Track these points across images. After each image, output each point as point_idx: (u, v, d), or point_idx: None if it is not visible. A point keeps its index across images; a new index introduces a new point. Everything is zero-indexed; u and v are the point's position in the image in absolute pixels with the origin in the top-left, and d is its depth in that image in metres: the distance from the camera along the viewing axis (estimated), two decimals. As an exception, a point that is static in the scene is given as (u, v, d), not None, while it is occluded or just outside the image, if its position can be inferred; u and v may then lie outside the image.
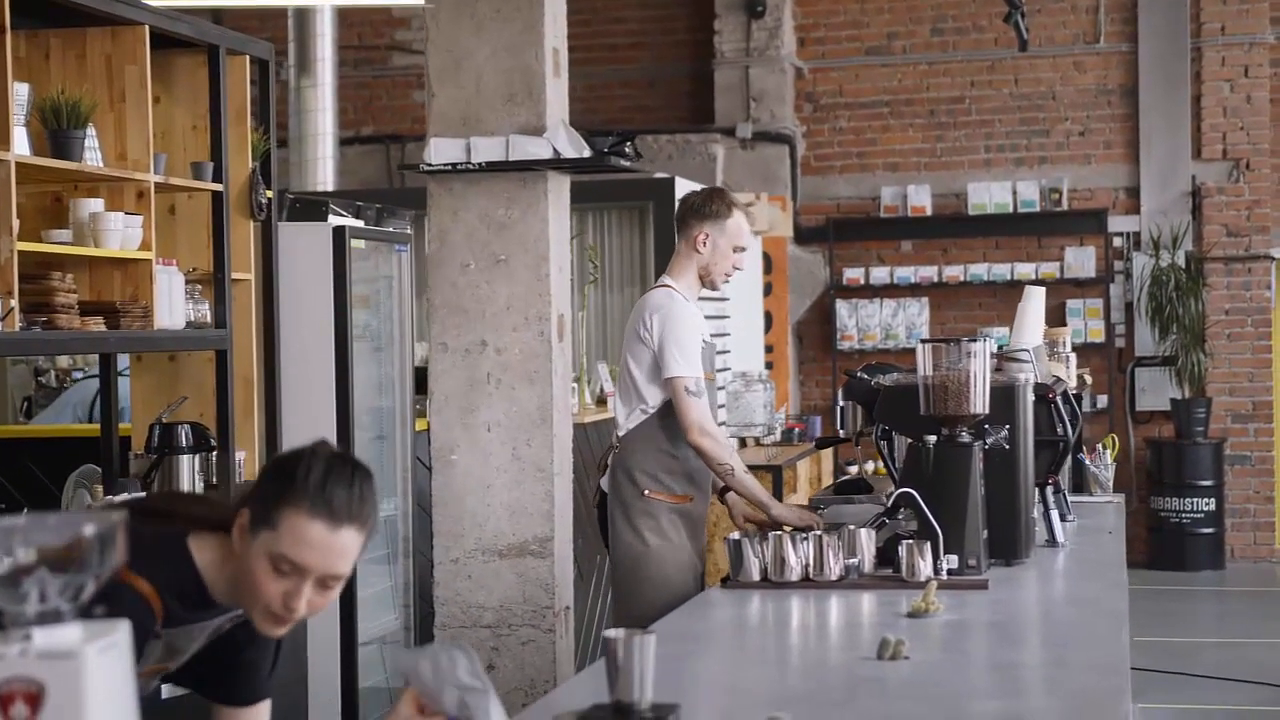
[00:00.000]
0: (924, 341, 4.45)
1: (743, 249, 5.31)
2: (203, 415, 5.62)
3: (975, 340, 4.42)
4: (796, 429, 11.36)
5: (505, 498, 5.72)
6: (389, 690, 6.70)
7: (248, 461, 5.83)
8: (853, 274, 12.93)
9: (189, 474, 5.40)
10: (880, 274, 12.87)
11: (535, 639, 5.72)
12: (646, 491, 5.16)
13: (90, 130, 4.88)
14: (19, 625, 1.74)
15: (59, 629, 1.75)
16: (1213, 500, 12.23)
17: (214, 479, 5.59)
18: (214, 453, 5.56)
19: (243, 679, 2.89)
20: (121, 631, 1.78)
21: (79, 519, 1.77)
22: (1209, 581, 12.00)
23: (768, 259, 12.38)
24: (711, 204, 5.29)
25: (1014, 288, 12.54)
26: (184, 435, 5.41)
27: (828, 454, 11.50)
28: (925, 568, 4.17)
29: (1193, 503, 12.21)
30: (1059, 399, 5.05)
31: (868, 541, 4.34)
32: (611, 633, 2.74)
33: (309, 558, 2.55)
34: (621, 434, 5.26)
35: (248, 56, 5.84)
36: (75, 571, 1.76)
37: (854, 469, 12.08)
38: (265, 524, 2.56)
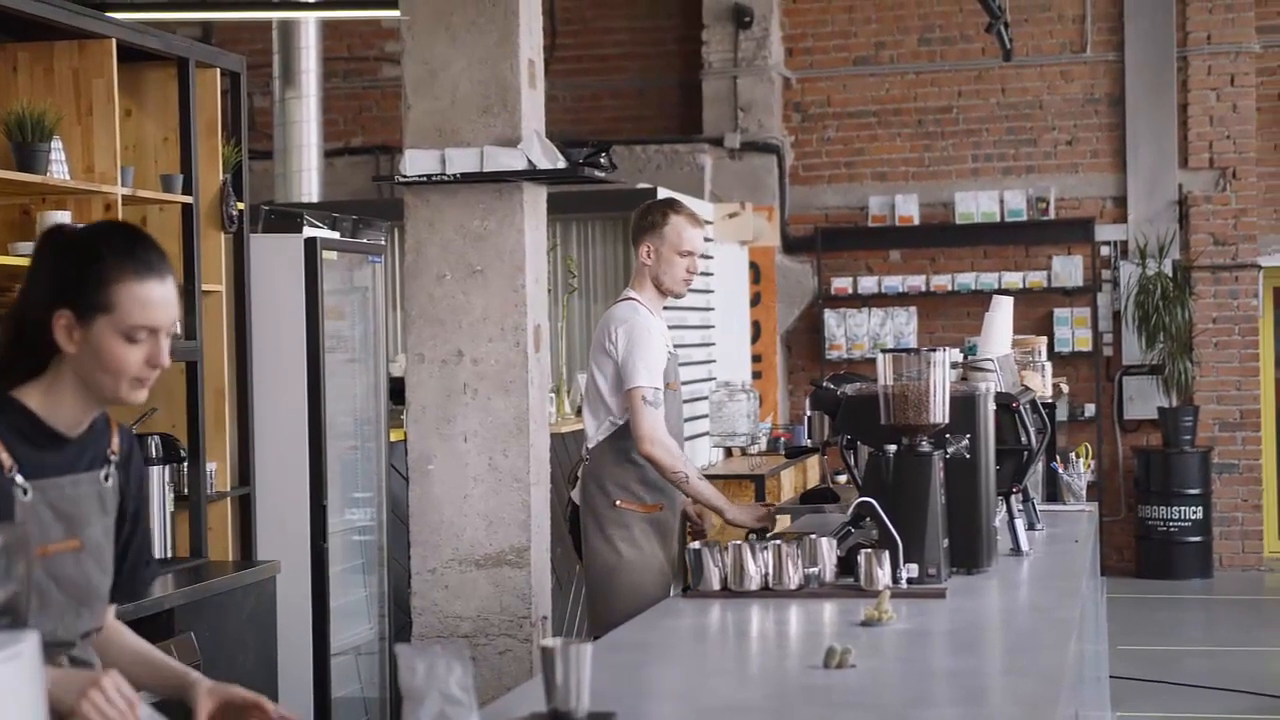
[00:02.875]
0: (884, 351, 4.47)
1: (689, 253, 5.33)
2: (174, 426, 5.64)
3: (935, 350, 4.43)
4: (783, 438, 11.37)
5: (482, 507, 5.73)
6: (363, 700, 6.72)
7: (219, 473, 5.85)
8: (841, 283, 12.95)
9: (159, 485, 5.41)
10: (868, 283, 12.89)
11: (512, 649, 5.73)
12: (618, 502, 5.21)
13: (56, 143, 4.90)
14: (-77, 635, 1.75)
15: (-37, 639, 1.76)
16: (1200, 509, 12.24)
17: (185, 490, 5.60)
18: (184, 464, 5.57)
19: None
20: (28, 642, 1.79)
21: (-18, 530, 1.79)
22: (1196, 590, 12.00)
23: (756, 269, 12.41)
24: (648, 216, 5.37)
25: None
26: (154, 446, 5.42)
27: (814, 463, 11.50)
28: (884, 577, 4.18)
29: (1180, 511, 12.22)
30: (1024, 408, 5.06)
31: (829, 551, 4.34)
32: (548, 642, 2.76)
33: (158, 316, 2.69)
34: (590, 445, 5.33)
35: (218, 69, 5.86)
36: (-21, 582, 1.77)
37: (843, 478, 12.09)
38: (99, 311, 2.66)
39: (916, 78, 13.04)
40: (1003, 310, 5.54)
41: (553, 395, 7.97)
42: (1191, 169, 12.61)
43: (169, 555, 5.41)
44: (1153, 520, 12.25)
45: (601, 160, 6.12)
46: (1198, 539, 12.25)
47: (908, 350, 4.46)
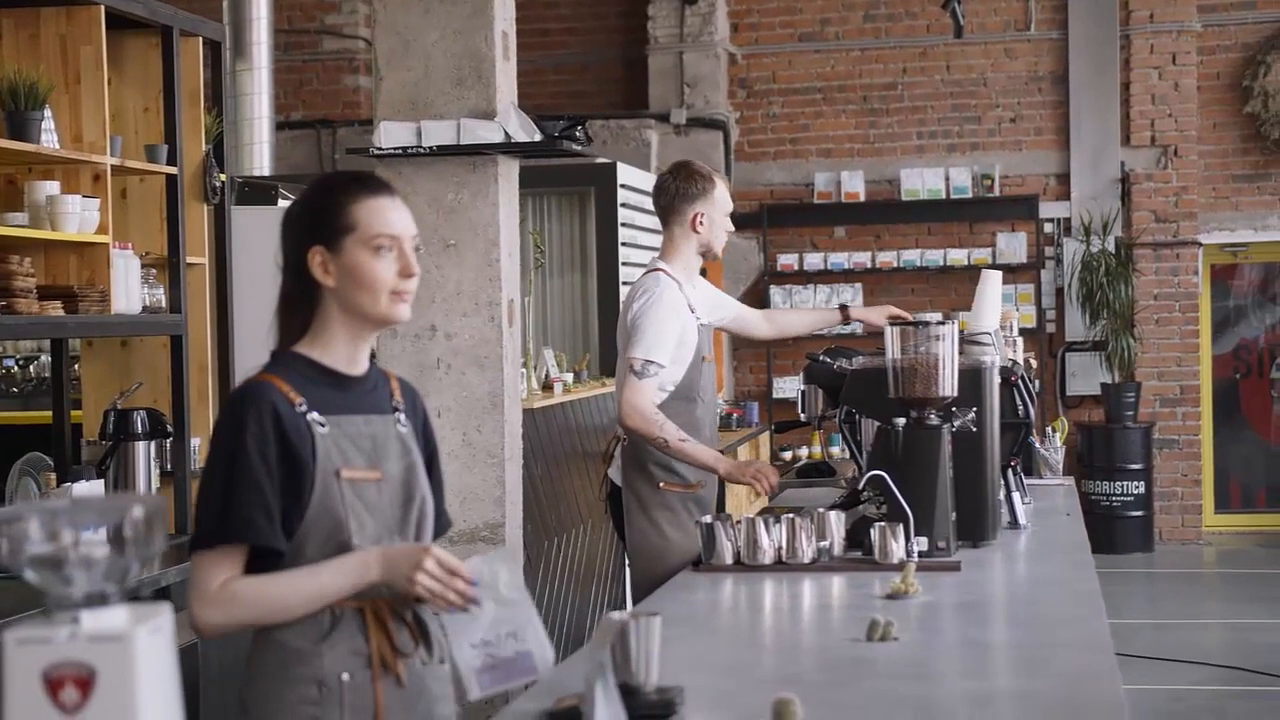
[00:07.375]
0: (893, 324, 4.46)
1: (730, 212, 5.42)
2: (156, 401, 5.55)
3: (944, 323, 4.43)
4: (735, 415, 11.41)
5: (456, 484, 5.69)
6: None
7: (203, 448, 5.76)
8: (786, 260, 12.97)
9: (144, 461, 5.33)
10: (814, 260, 12.92)
11: (487, 625, 5.69)
12: (661, 484, 5.12)
13: (47, 112, 4.80)
14: (65, 608, 1.71)
15: (106, 611, 1.72)
16: (1142, 483, 12.38)
17: (169, 466, 5.51)
18: (169, 439, 5.49)
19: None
20: (165, 616, 1.75)
21: (126, 501, 1.75)
22: (1138, 564, 12.14)
23: (702, 245, 12.37)
24: (696, 183, 5.32)
25: (946, 273, 12.65)
26: (139, 421, 5.33)
27: (765, 439, 11.54)
28: (899, 550, 4.19)
29: (1122, 486, 12.35)
30: (1020, 381, 5.08)
31: (837, 524, 4.34)
32: (618, 615, 2.74)
33: (396, 224, 2.87)
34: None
35: (200, 38, 5.77)
36: (122, 554, 1.73)
37: (788, 454, 12.13)
38: (344, 233, 2.85)
39: (862, 54, 13.06)
40: (992, 284, 5.55)
41: (522, 371, 7.92)
42: (1134, 146, 12.72)
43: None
44: (1095, 495, 12.37)
45: (577, 134, 6.09)
46: (1139, 513, 12.40)
47: (916, 323, 4.45)
